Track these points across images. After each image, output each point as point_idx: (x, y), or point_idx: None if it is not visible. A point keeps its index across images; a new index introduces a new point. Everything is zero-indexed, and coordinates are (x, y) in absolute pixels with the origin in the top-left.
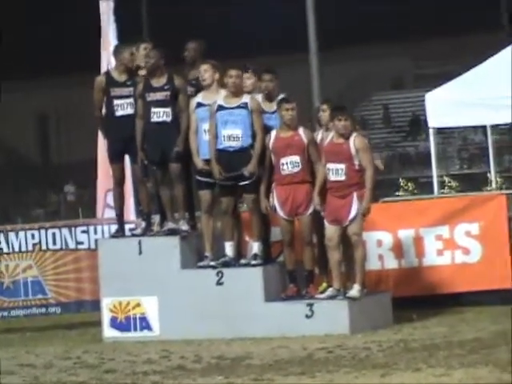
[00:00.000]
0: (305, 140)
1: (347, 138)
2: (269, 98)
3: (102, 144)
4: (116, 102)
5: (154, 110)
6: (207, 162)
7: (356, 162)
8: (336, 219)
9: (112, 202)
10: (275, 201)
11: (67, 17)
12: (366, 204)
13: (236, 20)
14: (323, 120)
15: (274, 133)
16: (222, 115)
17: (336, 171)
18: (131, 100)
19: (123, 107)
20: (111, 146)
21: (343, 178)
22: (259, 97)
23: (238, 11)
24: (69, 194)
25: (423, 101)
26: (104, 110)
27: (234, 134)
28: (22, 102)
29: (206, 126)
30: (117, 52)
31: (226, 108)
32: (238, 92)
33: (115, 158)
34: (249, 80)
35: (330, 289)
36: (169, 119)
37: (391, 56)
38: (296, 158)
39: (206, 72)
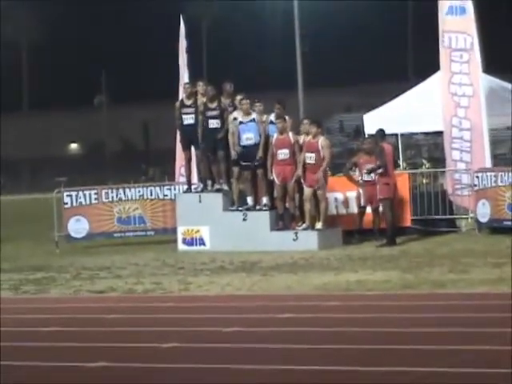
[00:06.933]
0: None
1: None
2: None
3: (178, 139)
4: (184, 116)
5: (210, 121)
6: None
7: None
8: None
9: (184, 172)
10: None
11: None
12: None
13: None
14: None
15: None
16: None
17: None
18: (193, 115)
19: (187, 119)
20: (182, 139)
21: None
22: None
23: None
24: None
25: None
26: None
27: None
28: None
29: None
30: (184, 87)
31: None
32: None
33: (185, 147)
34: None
35: (304, 225)
36: (219, 126)
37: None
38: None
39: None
